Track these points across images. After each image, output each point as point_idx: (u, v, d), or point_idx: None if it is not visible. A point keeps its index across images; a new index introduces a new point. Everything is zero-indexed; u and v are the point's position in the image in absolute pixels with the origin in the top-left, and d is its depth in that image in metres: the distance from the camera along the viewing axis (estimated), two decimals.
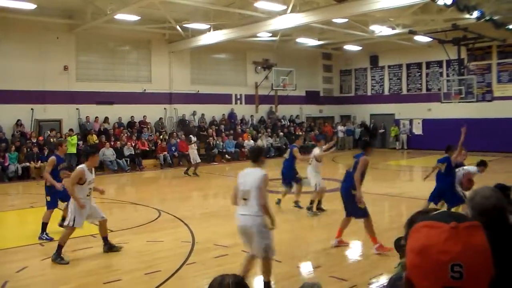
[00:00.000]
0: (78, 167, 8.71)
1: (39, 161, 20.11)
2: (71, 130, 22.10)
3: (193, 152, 20.40)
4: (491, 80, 27.97)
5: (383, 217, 12.57)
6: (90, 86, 24.01)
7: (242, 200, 6.29)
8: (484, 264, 1.42)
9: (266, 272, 6.50)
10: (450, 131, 27.24)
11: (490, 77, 28.01)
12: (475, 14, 17.68)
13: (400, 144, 31.71)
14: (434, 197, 10.39)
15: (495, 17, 19.57)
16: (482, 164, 10.81)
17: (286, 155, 13.28)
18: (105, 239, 8.86)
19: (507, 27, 20.85)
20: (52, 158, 10.07)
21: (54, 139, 21.38)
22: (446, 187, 10.25)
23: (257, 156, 6.58)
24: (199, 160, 20.63)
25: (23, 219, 12.93)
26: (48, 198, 10.07)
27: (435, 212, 1.57)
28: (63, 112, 23.28)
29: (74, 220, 8.32)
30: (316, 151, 12.58)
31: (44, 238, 9.75)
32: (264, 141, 27.64)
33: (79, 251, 8.80)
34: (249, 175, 6.37)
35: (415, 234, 1.49)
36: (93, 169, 8.71)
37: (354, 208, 8.74)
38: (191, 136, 20.98)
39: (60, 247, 8.29)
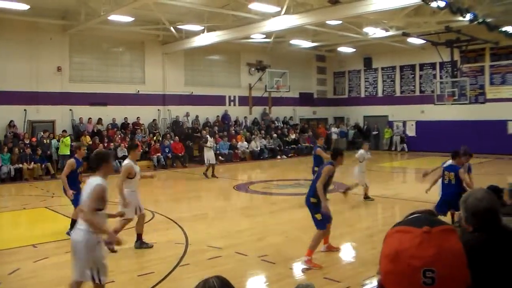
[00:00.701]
0: (124, 163, 9.10)
1: (32, 163, 20.03)
2: (64, 131, 21.99)
3: (207, 153, 19.80)
4: (484, 82, 28.06)
5: (377, 219, 12.60)
6: (83, 87, 23.94)
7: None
8: (458, 269, 1.40)
9: None
10: (444, 132, 27.60)
11: (483, 79, 28.10)
12: (468, 16, 17.73)
13: (402, 146, 31.40)
14: (441, 206, 9.56)
15: (488, 20, 19.64)
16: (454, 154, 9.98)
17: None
18: (139, 236, 9.16)
19: (500, 29, 20.93)
20: (72, 160, 10.04)
21: (47, 140, 21.33)
22: (452, 197, 9.04)
23: (97, 163, 5.68)
24: (214, 162, 20.07)
25: (16, 220, 12.88)
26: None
27: (410, 217, 1.56)
28: (56, 113, 23.21)
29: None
30: (363, 153, 13.93)
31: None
32: (257, 143, 27.65)
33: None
34: (87, 185, 5.58)
35: (388, 239, 1.48)
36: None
37: (312, 218, 8.27)
38: (207, 136, 20.40)
39: (139, 236, 9.08)
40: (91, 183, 5.50)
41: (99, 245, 5.43)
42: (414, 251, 1.38)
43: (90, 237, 5.31)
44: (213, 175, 19.74)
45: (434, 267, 1.35)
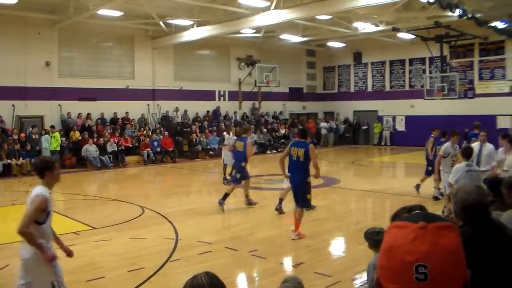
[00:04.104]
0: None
1: (21, 158, 19.88)
2: (52, 126, 21.83)
3: (224, 151, 17.25)
4: (473, 77, 28.21)
5: (367, 213, 12.64)
6: (72, 82, 23.78)
7: None
8: (454, 266, 1.38)
9: None
10: (433, 127, 27.69)
11: (472, 74, 28.25)
12: (457, 11, 17.79)
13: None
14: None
15: (477, 15, 19.74)
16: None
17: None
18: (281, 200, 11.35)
19: (488, 25, 21.04)
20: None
21: (36, 136, 21.17)
22: None
23: (41, 172, 5.04)
24: (224, 162, 17.11)
25: (5, 216, 12.76)
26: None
27: (413, 213, 1.54)
28: (45, 109, 23.04)
29: None
30: (448, 146, 11.26)
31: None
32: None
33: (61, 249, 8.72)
34: (30, 194, 5.02)
35: (386, 234, 1.48)
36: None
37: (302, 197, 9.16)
38: (224, 134, 18.51)
39: (281, 200, 11.29)
40: (32, 193, 4.99)
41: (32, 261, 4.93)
42: (407, 246, 1.37)
43: (25, 253, 4.95)
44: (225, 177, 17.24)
45: (427, 263, 1.34)
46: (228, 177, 16.65)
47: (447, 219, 1.50)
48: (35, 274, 4.83)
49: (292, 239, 9.05)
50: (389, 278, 1.41)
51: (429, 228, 1.39)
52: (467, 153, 8.51)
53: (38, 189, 4.96)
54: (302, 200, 9.12)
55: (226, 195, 11.92)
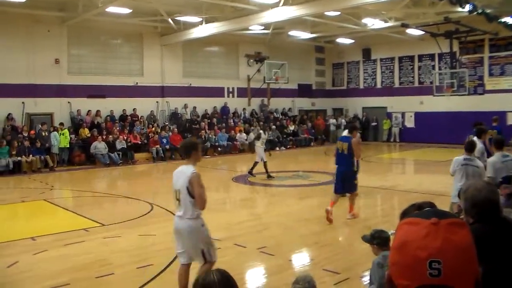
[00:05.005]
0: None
1: (31, 155, 19.96)
2: (61, 124, 21.90)
3: (258, 149, 17.36)
4: (483, 73, 28.03)
5: (376, 210, 12.60)
6: (81, 79, 23.85)
7: (176, 201, 5.90)
8: (466, 262, 1.38)
9: None
10: (442, 124, 27.60)
11: (482, 70, 28.07)
12: (467, 7, 17.67)
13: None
14: None
15: (487, 10, 19.58)
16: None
17: None
18: None
19: (499, 20, 20.87)
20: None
21: (46, 133, 21.26)
22: None
23: (188, 152, 5.95)
24: (263, 159, 16.99)
25: (15, 213, 12.86)
26: None
27: (424, 210, 1.54)
28: (55, 106, 23.11)
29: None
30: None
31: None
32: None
33: (70, 245, 8.76)
34: (180, 173, 5.85)
35: (398, 231, 1.48)
36: None
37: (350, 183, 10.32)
38: (261, 132, 17.98)
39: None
40: (185, 172, 5.77)
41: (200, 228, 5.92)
42: (420, 242, 1.37)
43: (192, 223, 5.86)
44: (250, 172, 17.28)
45: (441, 258, 1.34)
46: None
47: (457, 216, 1.49)
48: (194, 242, 5.95)
49: (347, 219, 10.36)
50: (401, 274, 1.41)
51: (442, 225, 1.39)
52: (468, 147, 8.40)
53: (190, 168, 5.77)
54: (350, 186, 10.31)
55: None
